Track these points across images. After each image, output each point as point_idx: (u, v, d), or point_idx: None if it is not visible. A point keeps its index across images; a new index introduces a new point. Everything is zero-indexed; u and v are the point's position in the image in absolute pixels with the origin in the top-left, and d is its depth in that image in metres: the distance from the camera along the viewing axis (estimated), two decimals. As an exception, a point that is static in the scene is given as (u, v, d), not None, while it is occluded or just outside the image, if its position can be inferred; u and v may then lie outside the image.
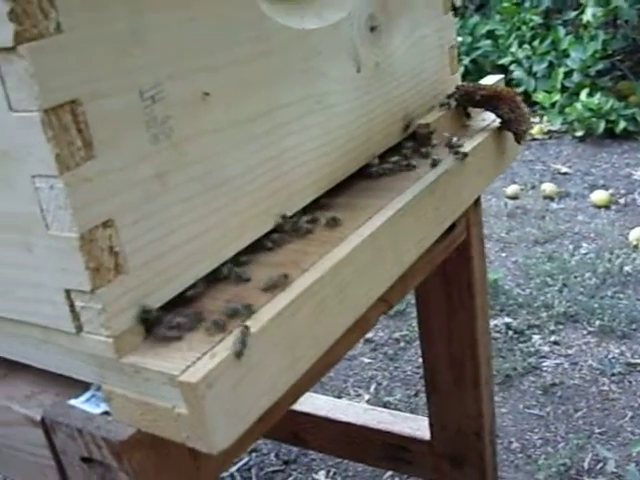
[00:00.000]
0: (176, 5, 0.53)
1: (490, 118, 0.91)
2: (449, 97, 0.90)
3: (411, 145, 0.81)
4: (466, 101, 0.90)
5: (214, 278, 0.58)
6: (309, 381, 0.67)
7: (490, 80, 0.99)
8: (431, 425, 1.18)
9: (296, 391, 0.65)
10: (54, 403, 0.57)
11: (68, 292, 0.50)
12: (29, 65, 0.43)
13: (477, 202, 1.00)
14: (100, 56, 0.47)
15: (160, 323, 0.52)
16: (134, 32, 0.49)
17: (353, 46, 0.73)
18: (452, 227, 0.93)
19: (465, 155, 0.77)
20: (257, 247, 0.63)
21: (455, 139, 0.78)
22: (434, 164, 0.75)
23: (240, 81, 0.59)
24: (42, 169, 0.46)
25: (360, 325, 0.73)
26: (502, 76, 1.04)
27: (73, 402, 0.56)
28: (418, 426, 1.22)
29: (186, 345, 0.50)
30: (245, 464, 1.79)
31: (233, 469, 1.77)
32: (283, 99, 0.64)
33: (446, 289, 1.03)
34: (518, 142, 0.89)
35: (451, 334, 1.06)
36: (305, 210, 0.67)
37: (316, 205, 0.69)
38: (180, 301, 0.55)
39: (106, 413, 0.54)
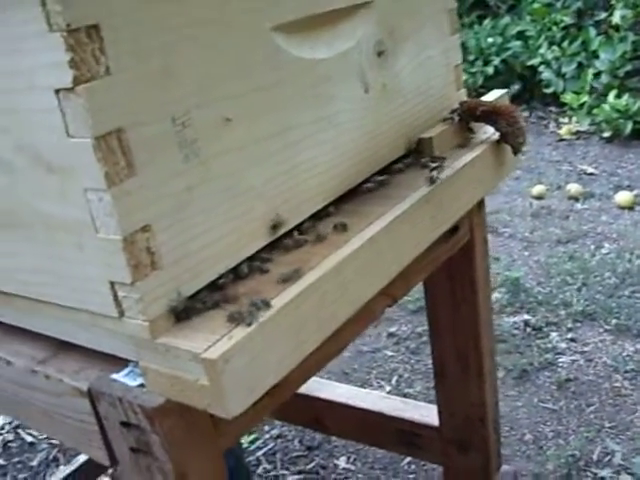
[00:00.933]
0: (203, 43, 0.63)
1: (490, 131, 1.00)
2: (453, 112, 0.99)
3: (414, 157, 0.90)
4: (468, 116, 0.99)
5: (237, 273, 0.69)
6: (317, 364, 0.78)
7: (493, 95, 1.08)
8: (440, 412, 1.27)
9: (304, 373, 0.75)
10: (98, 377, 0.68)
11: (112, 284, 0.61)
12: (84, 102, 0.54)
13: (481, 205, 1.09)
14: (140, 91, 0.58)
15: (189, 309, 0.63)
16: (167, 69, 0.60)
17: (361, 70, 0.83)
18: (456, 229, 1.03)
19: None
20: (276, 247, 0.74)
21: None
22: (432, 177, 0.84)
23: (258, 106, 0.69)
24: (93, 184, 0.56)
25: (365, 315, 0.83)
26: (506, 90, 1.13)
27: (114, 376, 0.67)
28: (428, 413, 1.32)
29: (209, 328, 0.60)
30: (270, 449, 1.90)
31: (259, 453, 1.88)
32: (296, 120, 0.74)
33: (451, 285, 1.12)
34: (515, 154, 0.98)
35: (456, 327, 1.15)
36: (315, 215, 0.78)
37: (325, 211, 0.79)
38: (211, 288, 0.66)
39: (142, 385, 0.65)
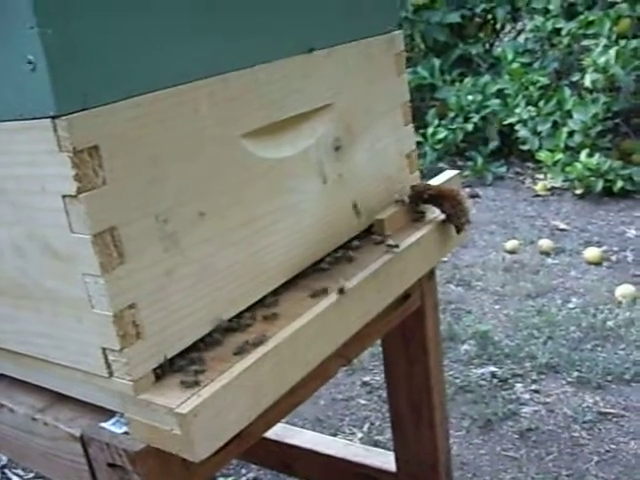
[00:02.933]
0: (182, 155, 0.78)
1: (437, 212, 1.14)
2: (404, 195, 1.13)
3: (366, 237, 1.05)
4: (417, 199, 1.13)
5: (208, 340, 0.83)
6: (277, 416, 0.91)
7: (444, 177, 1.23)
8: (397, 459, 1.40)
9: (265, 423, 0.89)
10: (89, 425, 0.82)
11: (104, 349, 0.75)
12: (85, 207, 0.68)
13: (431, 274, 1.23)
14: (129, 196, 0.72)
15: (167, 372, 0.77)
16: (152, 178, 0.75)
17: (320, 164, 0.98)
18: (407, 296, 1.17)
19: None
20: (242, 317, 0.88)
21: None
22: (382, 254, 0.99)
23: (228, 202, 0.84)
24: (90, 270, 0.71)
25: (320, 374, 0.97)
26: (457, 172, 1.27)
27: (103, 424, 0.81)
28: (387, 460, 1.44)
29: (181, 388, 0.74)
30: (246, 492, 2.00)
31: (236, 496, 1.98)
32: (260, 211, 0.88)
33: (405, 345, 1.26)
34: (458, 232, 1.13)
35: (410, 382, 1.28)
36: (275, 291, 0.92)
37: (284, 287, 0.93)
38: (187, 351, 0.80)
39: (126, 433, 0.78)
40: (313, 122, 0.97)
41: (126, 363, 0.73)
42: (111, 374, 0.75)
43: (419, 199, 1.13)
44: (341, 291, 0.89)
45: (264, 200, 0.89)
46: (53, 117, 0.67)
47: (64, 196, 0.69)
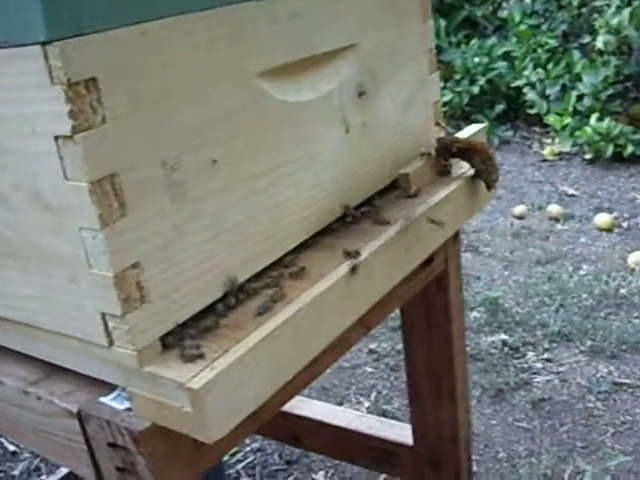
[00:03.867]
0: (192, 92, 0.68)
1: (466, 167, 1.05)
2: (430, 148, 1.04)
3: (390, 192, 0.95)
4: (444, 152, 1.04)
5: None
6: (293, 390, 0.82)
7: (469, 131, 1.13)
8: (414, 432, 1.32)
9: (281, 398, 0.80)
10: (88, 399, 0.72)
11: (103, 315, 0.65)
12: (81, 150, 0.58)
13: (456, 237, 1.14)
14: (132, 138, 0.62)
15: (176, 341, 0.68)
16: (158, 117, 0.64)
17: (342, 111, 0.88)
18: (431, 260, 1.08)
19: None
20: (259, 279, 0.78)
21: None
22: (407, 214, 0.89)
23: (243, 148, 0.74)
24: (88, 224, 0.61)
25: (341, 344, 0.88)
26: (484, 125, 1.18)
27: (103, 399, 0.72)
28: (403, 432, 1.37)
29: (192, 360, 0.65)
30: (250, 462, 1.93)
31: (239, 466, 1.91)
32: (279, 160, 0.79)
33: (426, 312, 1.17)
34: (488, 189, 1.03)
35: (430, 351, 1.20)
36: (296, 249, 0.82)
37: (305, 245, 0.84)
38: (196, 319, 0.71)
39: (128, 409, 0.69)
40: (336, 64, 0.87)
41: (129, 330, 0.64)
42: (111, 343, 0.66)
43: (447, 153, 1.03)
44: (356, 255, 0.80)
45: (282, 148, 0.79)
46: (43, 43, 0.57)
47: (57, 137, 0.59)
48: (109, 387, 0.73)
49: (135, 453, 0.67)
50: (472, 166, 1.03)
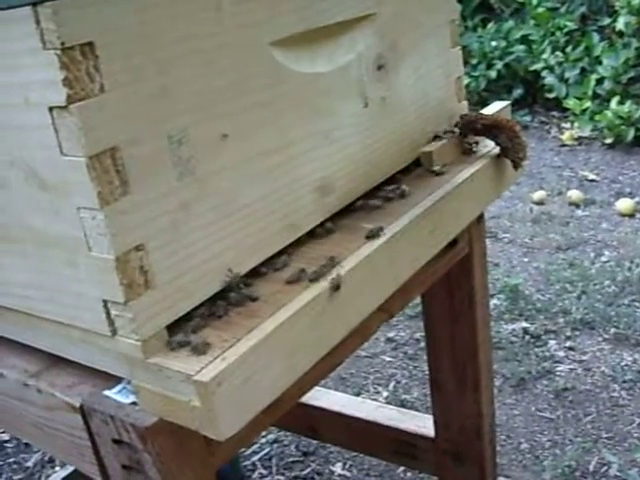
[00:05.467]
0: (199, 60, 0.63)
1: (491, 145, 0.99)
2: (454, 125, 0.98)
3: (412, 171, 0.90)
4: (469, 129, 0.98)
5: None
6: (311, 382, 0.77)
7: (494, 108, 1.08)
8: (435, 423, 1.27)
9: (298, 390, 0.75)
10: (91, 393, 0.67)
11: (105, 302, 0.60)
12: (78, 121, 0.53)
13: (480, 219, 1.08)
14: (135, 109, 0.57)
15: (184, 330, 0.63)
16: (163, 86, 0.59)
17: (361, 84, 0.83)
18: (454, 243, 1.02)
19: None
20: (271, 265, 0.73)
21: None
22: (434, 189, 0.84)
23: (255, 122, 0.68)
24: (86, 203, 0.56)
25: (362, 332, 0.82)
26: (508, 103, 1.12)
27: (107, 393, 0.67)
28: (424, 424, 1.31)
29: (201, 349, 0.60)
30: (266, 454, 1.89)
31: (255, 458, 1.87)
32: (294, 135, 0.73)
33: (449, 298, 1.12)
34: (515, 169, 0.98)
35: (454, 340, 1.14)
36: (313, 231, 0.77)
37: (323, 227, 0.79)
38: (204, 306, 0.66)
39: (134, 403, 0.64)
40: (353, 34, 0.82)
41: (132, 319, 0.59)
42: (114, 332, 0.61)
43: (471, 130, 0.98)
44: (378, 234, 0.74)
45: (297, 123, 0.74)
46: (34, 4, 0.52)
47: (51, 108, 0.54)
48: (114, 380, 0.68)
49: (142, 451, 0.62)
50: (498, 144, 0.97)
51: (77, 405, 0.67)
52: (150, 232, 0.59)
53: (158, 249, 0.60)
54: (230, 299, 0.66)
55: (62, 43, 0.52)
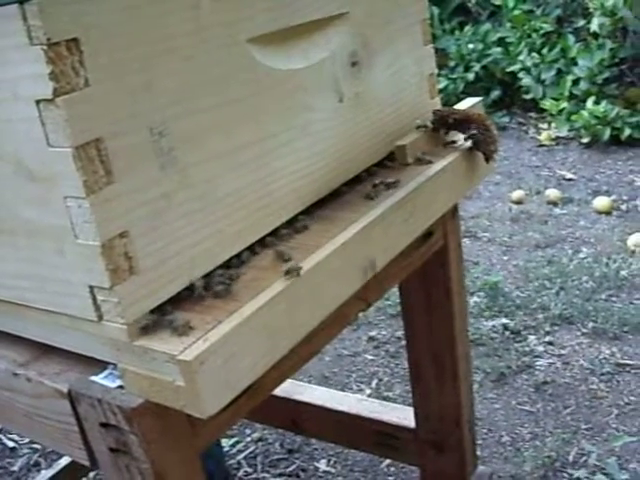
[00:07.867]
0: (179, 56, 0.65)
1: (463, 139, 1.02)
2: (427, 120, 1.02)
3: (386, 165, 0.93)
4: (441, 124, 1.01)
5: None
6: (292, 367, 0.80)
7: (467, 103, 1.11)
8: (416, 414, 1.30)
9: (279, 374, 0.78)
10: (78, 379, 0.70)
11: (91, 288, 0.63)
12: (64, 113, 0.56)
13: (454, 211, 1.11)
14: (118, 102, 0.60)
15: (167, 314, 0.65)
16: (144, 81, 0.62)
17: (335, 80, 0.86)
18: (430, 234, 1.05)
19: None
20: (251, 252, 0.76)
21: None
22: (407, 181, 0.87)
23: (233, 116, 0.71)
24: (72, 192, 0.58)
25: (339, 320, 0.85)
26: (480, 99, 1.15)
27: (94, 378, 0.69)
28: (405, 415, 1.34)
29: (184, 331, 0.62)
30: (251, 452, 1.91)
31: (240, 456, 1.89)
32: (271, 129, 0.76)
33: (425, 291, 1.15)
34: (487, 161, 1.01)
35: (431, 331, 1.17)
36: (290, 222, 0.80)
37: (298, 217, 0.81)
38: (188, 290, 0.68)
39: (120, 387, 0.67)
40: (327, 32, 0.85)
41: (118, 303, 0.61)
42: (101, 317, 0.63)
43: (443, 124, 1.01)
44: (354, 221, 0.77)
45: (274, 117, 0.77)
46: (21, 2, 0.54)
47: (38, 101, 0.57)
48: (101, 365, 0.70)
49: (128, 432, 0.65)
50: (469, 137, 1.00)
51: (65, 391, 0.69)
52: (134, 219, 0.62)
53: (142, 236, 0.62)
54: (212, 284, 0.69)
55: (48, 39, 0.54)
